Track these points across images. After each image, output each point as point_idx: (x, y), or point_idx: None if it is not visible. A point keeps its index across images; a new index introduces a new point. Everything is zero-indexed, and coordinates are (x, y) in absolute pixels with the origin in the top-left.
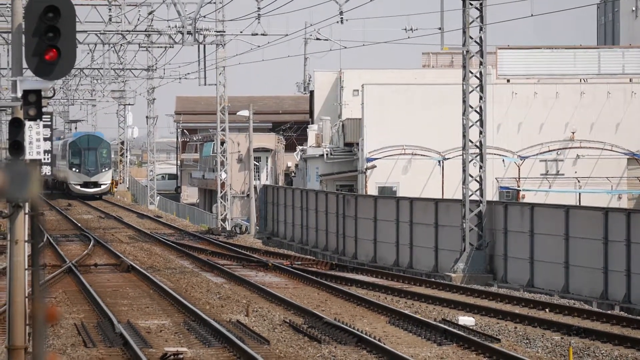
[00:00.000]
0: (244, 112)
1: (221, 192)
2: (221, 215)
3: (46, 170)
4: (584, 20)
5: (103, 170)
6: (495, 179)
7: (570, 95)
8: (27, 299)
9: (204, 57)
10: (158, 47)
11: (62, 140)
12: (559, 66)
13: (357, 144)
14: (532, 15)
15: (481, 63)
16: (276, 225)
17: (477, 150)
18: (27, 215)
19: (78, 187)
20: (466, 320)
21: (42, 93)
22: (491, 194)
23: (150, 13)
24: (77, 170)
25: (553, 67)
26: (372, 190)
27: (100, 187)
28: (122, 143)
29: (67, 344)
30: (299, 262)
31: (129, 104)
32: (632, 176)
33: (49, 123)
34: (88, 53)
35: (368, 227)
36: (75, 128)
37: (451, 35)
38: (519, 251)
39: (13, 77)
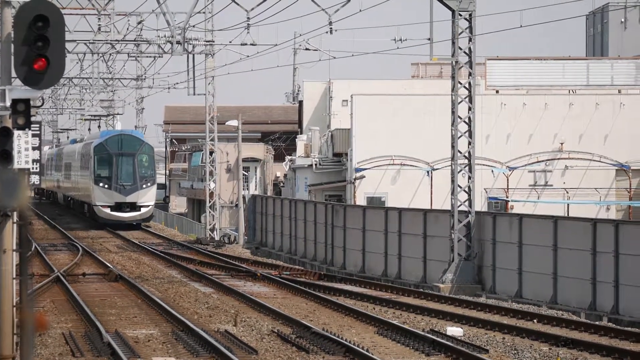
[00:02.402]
0: (233, 122)
1: (210, 201)
2: (210, 225)
3: (34, 179)
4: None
5: (144, 185)
6: (484, 189)
7: (559, 106)
8: (14, 308)
9: (193, 66)
10: (147, 56)
11: (82, 142)
12: (548, 77)
13: (346, 154)
14: (521, 26)
15: (470, 74)
16: (265, 235)
17: (466, 161)
18: (15, 224)
19: (107, 210)
20: (454, 330)
21: (31, 102)
22: (480, 205)
23: (139, 23)
24: (106, 186)
25: (542, 78)
26: (360, 201)
27: (139, 210)
28: None
29: (54, 354)
30: (288, 272)
31: (118, 114)
32: (620, 187)
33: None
34: (77, 62)
35: (357, 237)
36: (98, 127)
37: (440, 45)
38: (507, 262)
39: (2, 86)
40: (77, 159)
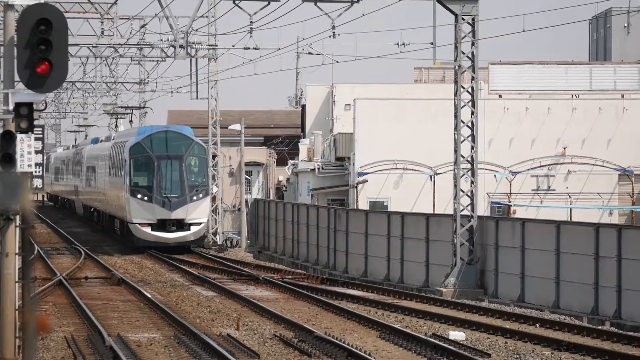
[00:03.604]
0: (236, 126)
1: (212, 205)
2: (212, 228)
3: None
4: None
5: (195, 197)
6: (487, 194)
7: (561, 110)
8: (17, 312)
9: (196, 70)
10: (150, 60)
11: (110, 142)
12: (551, 82)
13: (349, 158)
14: (524, 30)
15: (473, 78)
16: (267, 239)
17: (469, 165)
18: (17, 228)
19: (146, 229)
20: (457, 335)
21: (34, 106)
22: (482, 209)
23: (142, 26)
24: (146, 199)
25: (545, 82)
26: (363, 205)
27: (188, 229)
28: None
29: (57, 357)
30: (290, 276)
31: (121, 117)
32: (623, 192)
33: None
34: (80, 66)
35: (359, 241)
36: (130, 121)
37: (443, 50)
38: (509, 266)
39: (5, 90)
40: (105, 163)
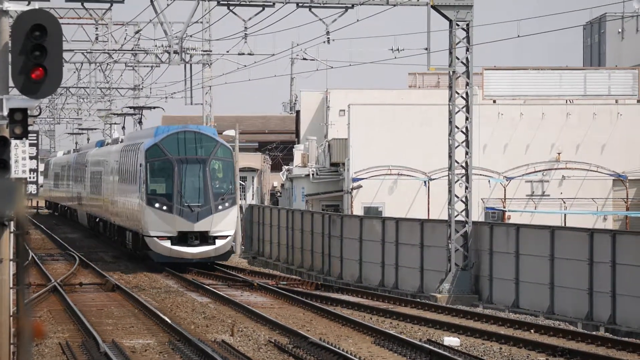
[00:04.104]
0: (230, 132)
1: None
2: None
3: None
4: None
5: (220, 207)
6: (481, 199)
7: (556, 116)
8: (12, 318)
9: (191, 76)
10: (144, 66)
11: (120, 144)
12: (545, 87)
13: (343, 164)
14: (518, 36)
15: (467, 84)
16: (262, 245)
17: (463, 171)
18: (12, 234)
19: (165, 243)
20: (451, 340)
21: (28, 112)
22: (477, 215)
23: (136, 32)
24: (165, 208)
25: (539, 88)
26: (357, 211)
27: (213, 243)
28: None
29: None
30: (285, 282)
31: (115, 123)
32: (617, 197)
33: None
34: (74, 72)
35: (354, 247)
36: (140, 122)
37: (437, 55)
38: (504, 272)
39: None
40: (114, 168)
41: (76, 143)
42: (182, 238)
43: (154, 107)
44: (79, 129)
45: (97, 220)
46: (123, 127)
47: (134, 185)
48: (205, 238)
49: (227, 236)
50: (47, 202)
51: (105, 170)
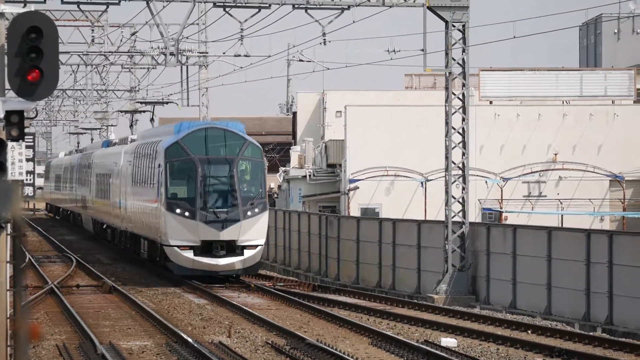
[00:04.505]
0: None
1: None
2: None
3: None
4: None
5: (249, 212)
6: (478, 200)
7: (552, 117)
8: (8, 320)
9: (187, 78)
10: (141, 68)
11: (135, 142)
12: (542, 88)
13: (340, 165)
14: (514, 37)
15: (464, 85)
16: None
17: (460, 172)
18: (9, 236)
19: (188, 254)
20: (448, 341)
21: (25, 114)
22: (474, 216)
23: (133, 34)
24: (187, 214)
25: (535, 89)
26: (354, 212)
27: (241, 253)
28: None
29: None
30: (282, 284)
31: (112, 125)
32: (614, 198)
33: (32, 144)
34: (71, 74)
35: (351, 248)
36: (152, 120)
37: (434, 57)
38: (501, 273)
39: None
40: (126, 169)
41: (78, 143)
42: (206, 248)
43: (168, 102)
44: (83, 128)
45: (105, 226)
46: (131, 126)
47: (151, 189)
48: (232, 248)
49: (256, 246)
50: (49, 206)
51: (115, 171)
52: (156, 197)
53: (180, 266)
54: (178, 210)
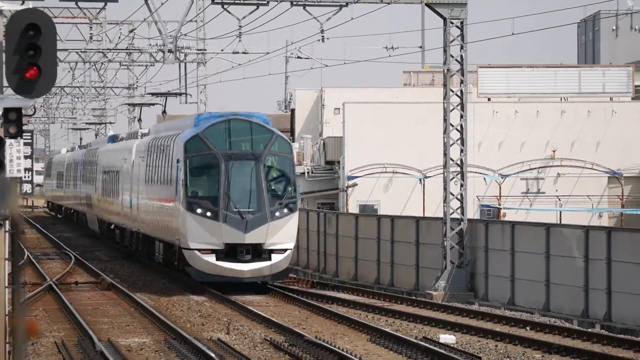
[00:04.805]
0: None
1: None
2: None
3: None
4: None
5: (277, 213)
6: (477, 197)
7: (551, 113)
8: (7, 317)
9: (185, 75)
10: (139, 65)
11: (149, 136)
12: (540, 85)
13: (338, 162)
14: (512, 34)
15: (462, 81)
16: None
17: (458, 169)
18: (7, 233)
19: (209, 258)
20: (447, 338)
21: (23, 111)
22: (472, 212)
23: (131, 31)
24: (209, 215)
25: (534, 85)
26: (353, 209)
27: (269, 258)
28: None
29: None
30: (280, 280)
31: (110, 122)
32: (612, 194)
33: (30, 141)
34: (69, 71)
35: (349, 245)
36: (164, 113)
37: (432, 53)
38: (500, 269)
39: None
40: (139, 165)
41: (81, 139)
42: (230, 252)
43: (181, 94)
44: (87, 123)
45: (112, 226)
46: (139, 120)
47: (167, 186)
48: (258, 252)
49: (285, 250)
50: (50, 204)
51: (125, 168)
52: (174, 195)
53: (201, 271)
54: (199, 210)
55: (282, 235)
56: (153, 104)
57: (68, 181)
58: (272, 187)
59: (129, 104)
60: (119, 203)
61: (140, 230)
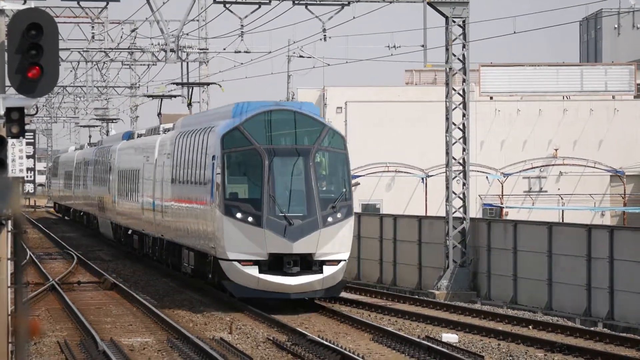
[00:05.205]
0: None
1: None
2: None
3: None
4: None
5: (331, 218)
6: (479, 196)
7: (553, 112)
8: (10, 317)
9: (187, 74)
10: (141, 64)
11: (175, 130)
12: (542, 83)
13: None
14: (514, 32)
15: (464, 80)
16: None
17: (461, 168)
18: (9, 233)
19: (251, 270)
20: (450, 337)
21: (25, 110)
22: (474, 211)
23: (133, 31)
24: (250, 220)
25: (536, 84)
26: (355, 208)
27: (320, 270)
28: None
29: None
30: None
31: (113, 122)
32: (615, 193)
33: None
34: (71, 71)
35: (351, 244)
36: (189, 104)
37: (434, 52)
38: (502, 268)
39: None
40: (164, 163)
41: (90, 137)
42: (275, 263)
43: (210, 83)
44: (97, 118)
45: (130, 232)
46: (159, 114)
47: (199, 187)
48: (308, 264)
49: (339, 261)
50: (57, 205)
51: (146, 167)
52: (209, 197)
53: (242, 286)
54: (239, 215)
55: (336, 244)
56: (175, 96)
57: (77, 181)
58: (324, 188)
59: (147, 95)
60: (139, 206)
61: (164, 236)
